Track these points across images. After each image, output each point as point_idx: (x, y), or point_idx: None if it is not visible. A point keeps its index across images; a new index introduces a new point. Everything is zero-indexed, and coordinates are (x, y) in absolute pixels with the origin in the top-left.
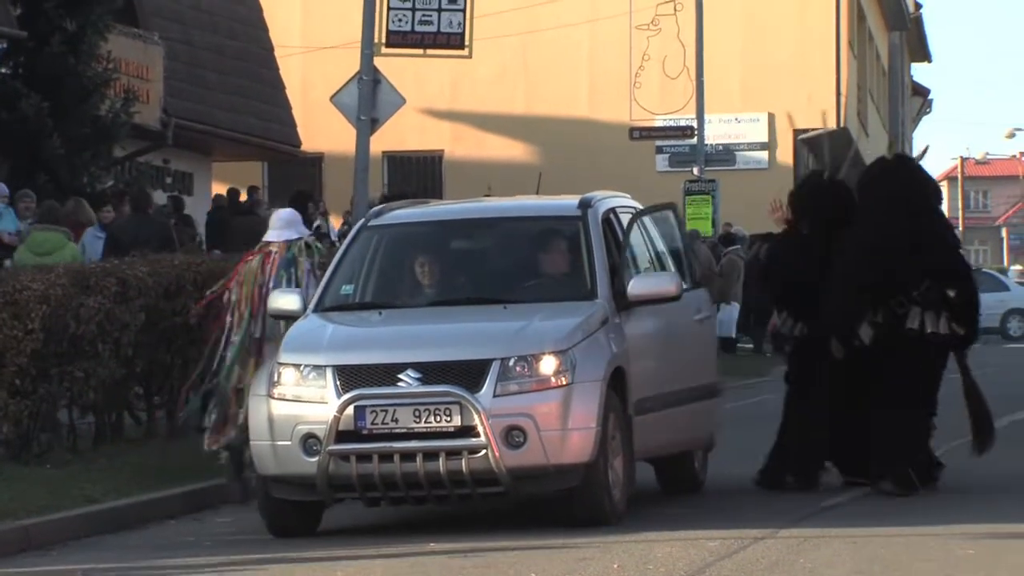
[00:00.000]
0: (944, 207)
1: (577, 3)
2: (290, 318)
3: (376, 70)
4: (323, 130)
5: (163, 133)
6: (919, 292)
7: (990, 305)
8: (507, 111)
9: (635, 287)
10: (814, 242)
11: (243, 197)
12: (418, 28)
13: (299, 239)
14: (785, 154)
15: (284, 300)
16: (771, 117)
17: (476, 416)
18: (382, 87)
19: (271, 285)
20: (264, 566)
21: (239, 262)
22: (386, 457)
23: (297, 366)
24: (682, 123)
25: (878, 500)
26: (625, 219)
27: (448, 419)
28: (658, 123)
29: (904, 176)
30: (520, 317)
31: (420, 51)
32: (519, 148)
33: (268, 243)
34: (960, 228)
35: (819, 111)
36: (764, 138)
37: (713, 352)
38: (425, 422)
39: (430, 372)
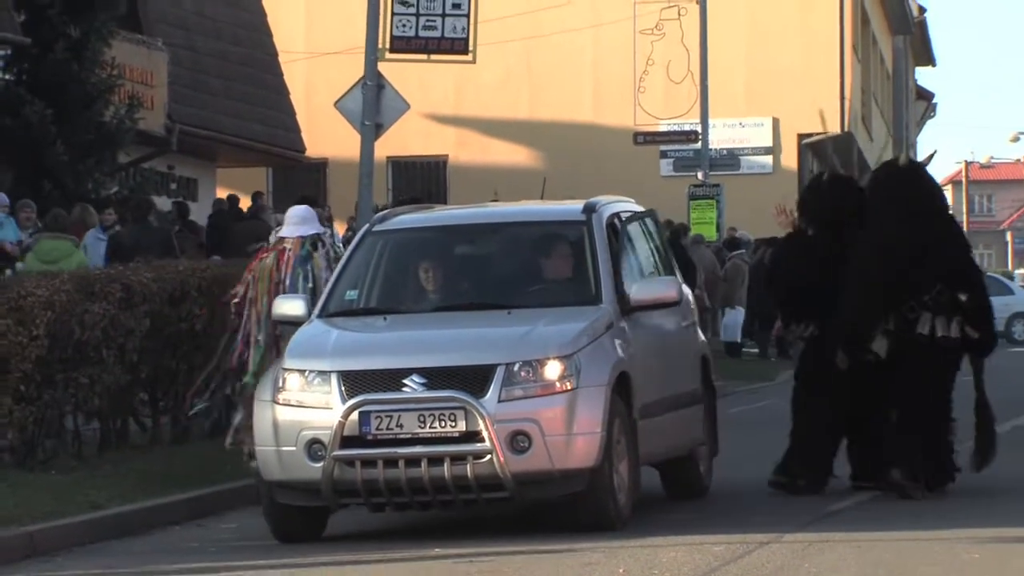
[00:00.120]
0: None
1: (581, 8)
2: (294, 323)
3: (380, 75)
4: (327, 135)
5: (167, 139)
6: (930, 296)
7: (995, 309)
8: (511, 116)
9: (637, 292)
10: (818, 243)
11: (244, 203)
12: (422, 33)
13: (314, 235)
14: (789, 158)
15: (288, 306)
16: (775, 121)
17: (481, 421)
18: (386, 92)
19: (287, 283)
20: (269, 571)
21: (253, 260)
22: (391, 462)
23: (302, 371)
24: (686, 128)
25: (883, 504)
26: (630, 224)
27: (453, 424)
28: (662, 128)
29: (913, 179)
30: (525, 322)
31: (424, 56)
32: (523, 153)
33: (283, 239)
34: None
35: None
36: (768, 142)
37: (698, 357)
38: (430, 427)
39: (435, 377)
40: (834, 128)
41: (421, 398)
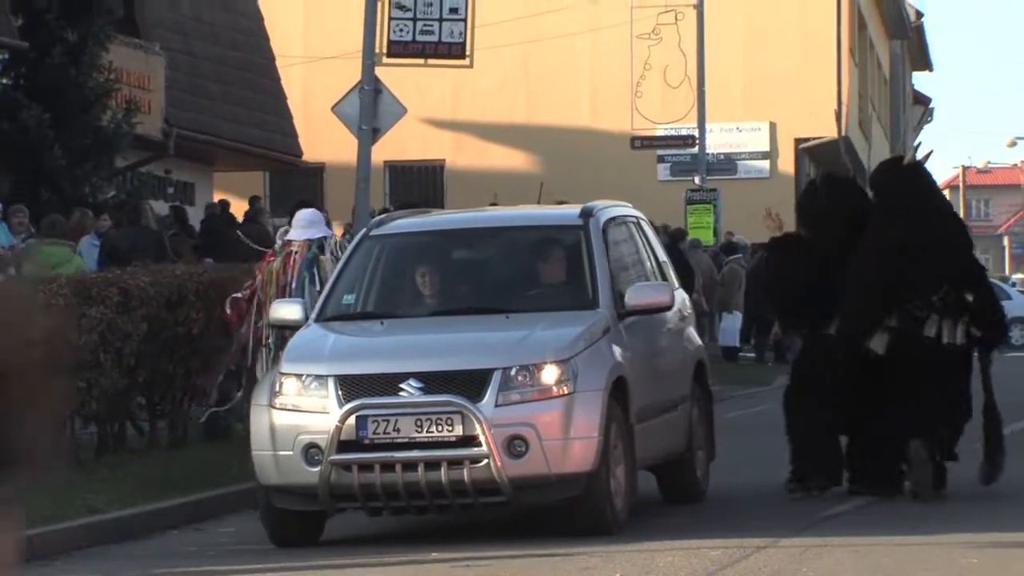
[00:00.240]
0: None
1: (578, 13)
2: (292, 328)
3: (377, 80)
4: (324, 140)
5: (165, 143)
6: (938, 297)
7: None
8: (508, 121)
9: (631, 297)
10: (815, 246)
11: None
12: (419, 38)
13: (321, 238)
14: (786, 163)
15: (286, 310)
16: (772, 126)
17: (478, 426)
18: (383, 97)
19: (294, 286)
20: (266, 575)
21: (261, 262)
22: (388, 467)
23: (299, 376)
24: (683, 132)
25: (881, 509)
26: (627, 229)
27: (450, 429)
28: (659, 132)
29: (913, 178)
30: (522, 326)
31: (421, 61)
32: (520, 158)
33: (290, 242)
34: None
35: (820, 120)
36: (765, 147)
37: (694, 362)
38: (427, 432)
39: (432, 382)
40: (831, 132)
41: (418, 402)
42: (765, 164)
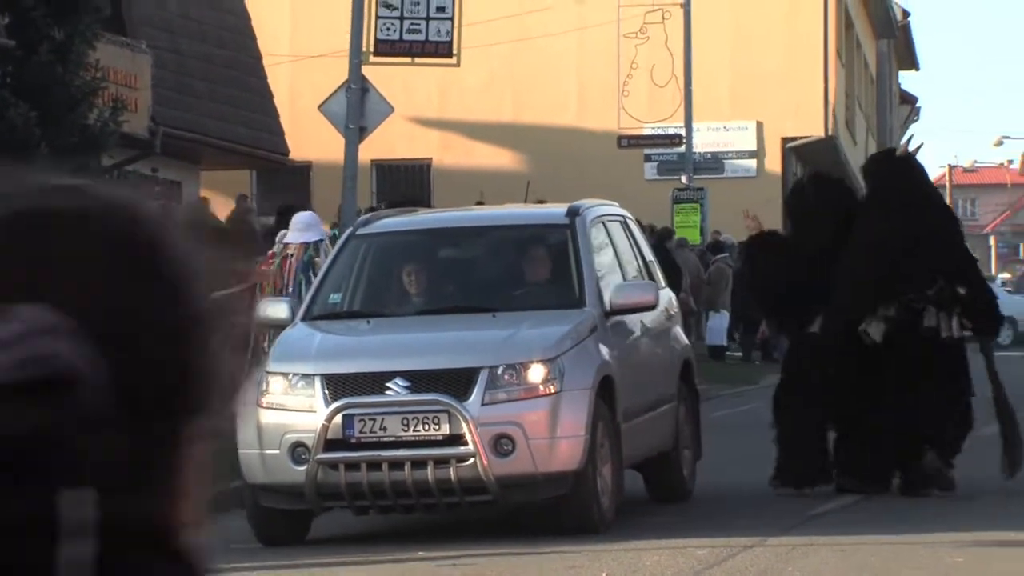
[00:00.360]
0: None
1: (565, 12)
2: (279, 327)
3: (364, 79)
4: (311, 139)
5: (151, 142)
6: (933, 291)
7: None
8: (495, 119)
9: (617, 296)
10: (797, 243)
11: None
12: (406, 37)
13: (317, 241)
14: (773, 162)
15: (272, 309)
16: (759, 125)
17: (464, 424)
18: (370, 96)
19: (290, 288)
20: (253, 574)
21: (260, 264)
22: (374, 466)
23: (285, 375)
24: (670, 131)
25: (867, 508)
26: (613, 227)
27: (436, 427)
28: (646, 131)
29: (905, 171)
30: (508, 325)
31: (408, 60)
32: (507, 156)
33: (287, 246)
34: None
35: (807, 119)
36: (752, 146)
37: (680, 361)
38: (413, 431)
39: (418, 381)
40: (818, 132)
41: (404, 401)
42: (752, 163)
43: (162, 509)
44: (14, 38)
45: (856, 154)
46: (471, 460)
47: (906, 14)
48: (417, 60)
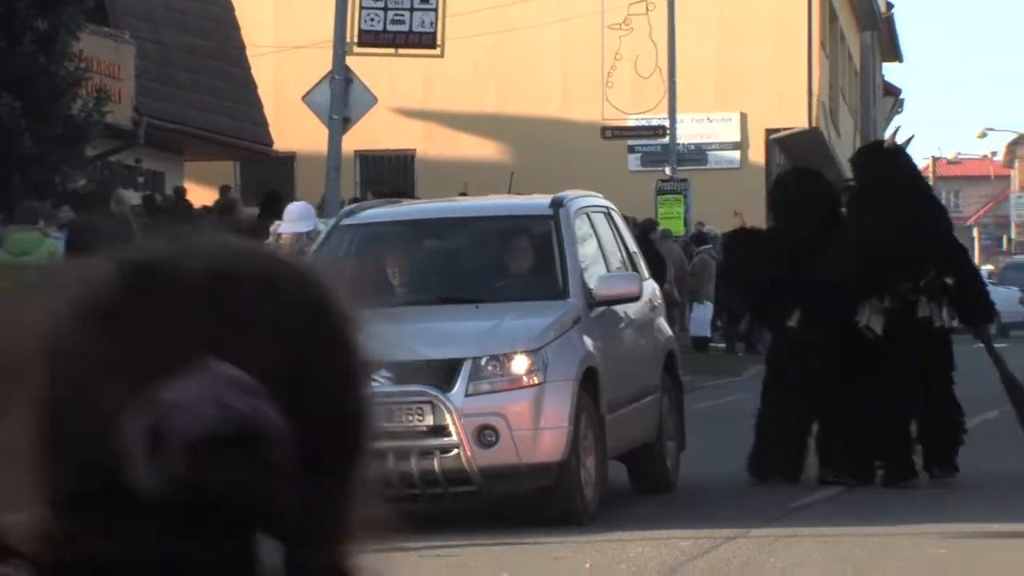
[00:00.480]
0: None
1: (549, 3)
2: None
3: (348, 69)
4: (295, 129)
5: (135, 132)
6: (925, 281)
7: None
8: (479, 110)
9: (600, 287)
10: (779, 236)
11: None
12: (390, 27)
13: (310, 232)
14: (757, 154)
15: None
16: (743, 117)
17: (448, 416)
18: (354, 86)
19: None
20: None
21: None
22: None
23: None
24: (654, 123)
25: (850, 499)
26: (597, 219)
27: (420, 419)
28: (630, 122)
29: (892, 163)
30: (492, 316)
31: (392, 50)
32: (491, 147)
33: (279, 236)
34: None
35: (791, 111)
36: (736, 138)
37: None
38: (397, 421)
39: (402, 371)
40: (802, 123)
41: (388, 392)
42: (736, 155)
43: (339, 553)
44: None
45: (840, 146)
46: (455, 451)
47: (889, 6)
48: (401, 51)
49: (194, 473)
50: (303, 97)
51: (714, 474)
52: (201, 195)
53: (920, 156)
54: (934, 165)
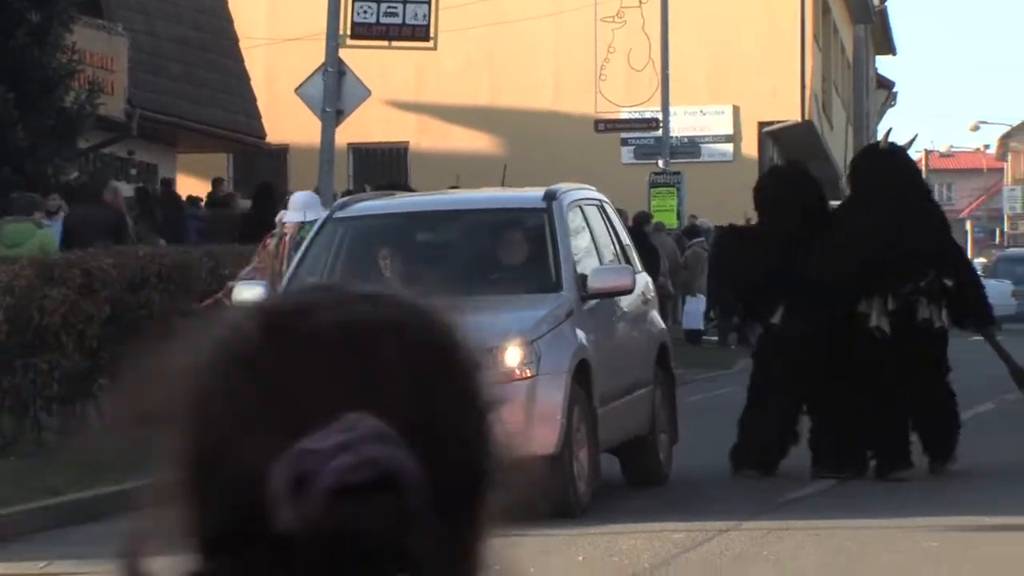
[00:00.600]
0: None
1: None
2: None
3: (341, 62)
4: (288, 122)
5: (127, 124)
6: (926, 282)
7: None
8: (472, 103)
9: (594, 280)
10: (773, 232)
11: (198, 189)
12: (383, 20)
13: (313, 221)
14: (750, 147)
15: (248, 292)
16: (736, 110)
17: None
18: (347, 79)
19: (285, 267)
20: None
21: (261, 246)
22: None
23: None
24: (647, 115)
25: (842, 492)
26: (590, 211)
27: None
28: (623, 115)
29: (889, 165)
30: (485, 309)
31: (385, 43)
32: (484, 140)
33: (283, 225)
34: None
35: (783, 104)
36: (729, 130)
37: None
38: None
39: None
40: (795, 116)
41: None
42: (729, 148)
43: None
44: None
45: (833, 138)
46: None
47: None
48: (394, 43)
49: (335, 518)
50: (296, 89)
51: (707, 467)
52: (194, 187)
53: (913, 149)
54: (927, 158)
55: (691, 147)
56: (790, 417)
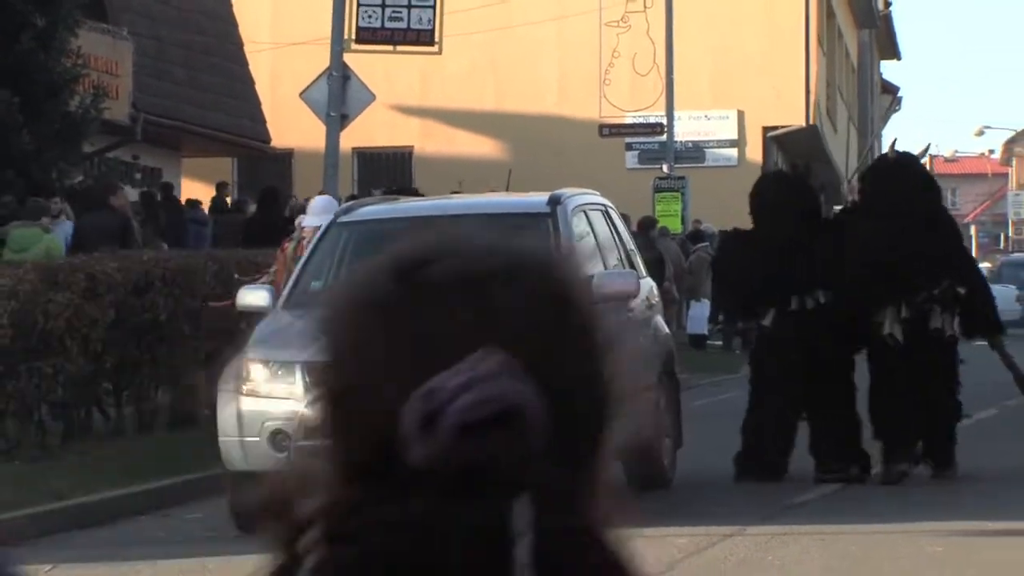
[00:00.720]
0: None
1: (547, 0)
2: (260, 314)
3: (346, 66)
4: (293, 126)
5: (132, 129)
6: (939, 291)
7: None
8: (477, 108)
9: (598, 285)
10: (770, 236)
11: (202, 193)
12: (388, 24)
13: None
14: (754, 151)
15: (253, 296)
16: (740, 114)
17: None
18: (352, 83)
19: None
20: (234, 559)
21: (280, 250)
22: None
23: (266, 362)
24: (652, 120)
25: (846, 497)
26: (594, 216)
27: None
28: (628, 120)
29: (898, 174)
30: None
31: (390, 47)
32: (489, 145)
33: (302, 229)
34: None
35: (788, 108)
36: (733, 135)
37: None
38: None
39: None
40: (799, 121)
41: None
42: (733, 152)
43: (584, 520)
44: None
45: (837, 143)
46: None
47: (888, 3)
48: (399, 48)
49: (461, 454)
50: (301, 94)
51: (710, 472)
52: (199, 192)
53: (918, 154)
54: (931, 163)
55: (695, 152)
56: (785, 417)
